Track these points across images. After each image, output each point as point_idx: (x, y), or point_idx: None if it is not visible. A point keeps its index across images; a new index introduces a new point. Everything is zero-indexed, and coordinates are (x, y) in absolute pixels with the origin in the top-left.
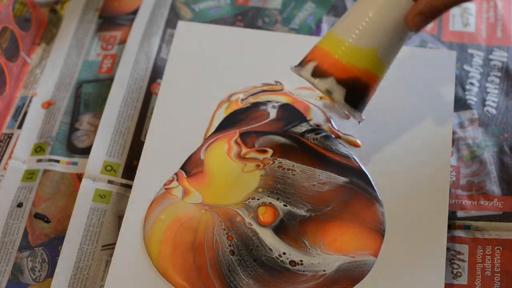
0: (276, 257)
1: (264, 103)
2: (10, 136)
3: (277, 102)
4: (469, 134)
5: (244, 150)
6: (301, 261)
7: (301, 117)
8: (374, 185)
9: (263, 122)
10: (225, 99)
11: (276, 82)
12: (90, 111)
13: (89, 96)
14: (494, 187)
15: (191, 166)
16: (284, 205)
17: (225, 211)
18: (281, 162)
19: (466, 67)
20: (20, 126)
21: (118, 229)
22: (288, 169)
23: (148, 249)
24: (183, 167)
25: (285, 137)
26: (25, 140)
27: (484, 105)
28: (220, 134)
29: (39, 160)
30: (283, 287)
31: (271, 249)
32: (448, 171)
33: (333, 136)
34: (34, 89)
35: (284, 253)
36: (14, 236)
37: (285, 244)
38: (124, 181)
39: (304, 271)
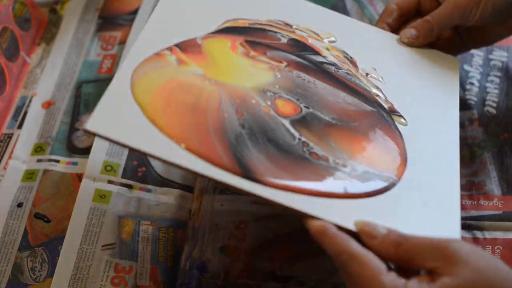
0: (296, 144)
1: (274, 31)
2: (10, 136)
3: (287, 35)
4: (469, 134)
5: (253, 53)
6: (324, 156)
7: (315, 51)
8: (397, 125)
9: (274, 42)
10: (231, 20)
11: (286, 24)
12: (90, 111)
13: (89, 96)
14: (494, 187)
15: (186, 45)
16: (306, 107)
17: (235, 90)
18: (299, 74)
19: (466, 67)
20: (20, 126)
21: (118, 229)
22: (308, 82)
23: (136, 97)
24: (177, 45)
25: (301, 58)
26: (25, 140)
27: (484, 105)
28: (222, 34)
29: (39, 160)
30: (302, 176)
31: (290, 136)
32: (457, 178)
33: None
34: (34, 89)
35: (306, 144)
36: (14, 236)
37: (307, 138)
38: (124, 181)
39: (326, 167)
